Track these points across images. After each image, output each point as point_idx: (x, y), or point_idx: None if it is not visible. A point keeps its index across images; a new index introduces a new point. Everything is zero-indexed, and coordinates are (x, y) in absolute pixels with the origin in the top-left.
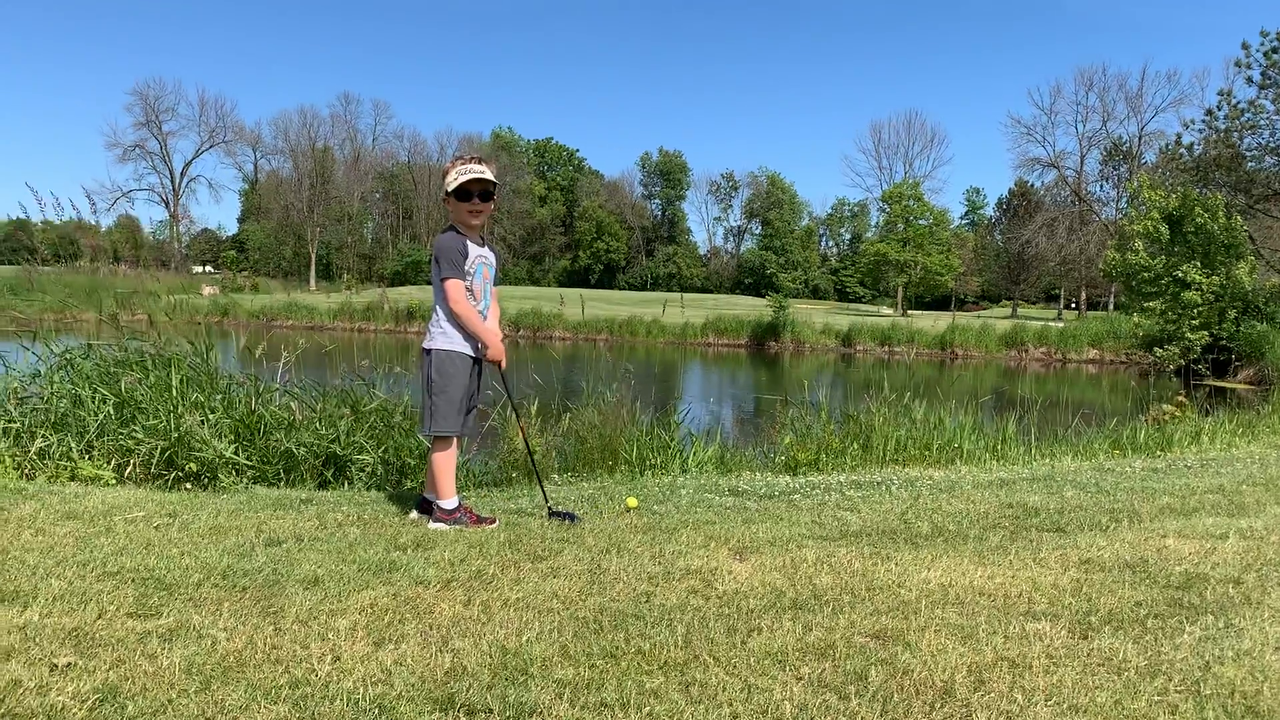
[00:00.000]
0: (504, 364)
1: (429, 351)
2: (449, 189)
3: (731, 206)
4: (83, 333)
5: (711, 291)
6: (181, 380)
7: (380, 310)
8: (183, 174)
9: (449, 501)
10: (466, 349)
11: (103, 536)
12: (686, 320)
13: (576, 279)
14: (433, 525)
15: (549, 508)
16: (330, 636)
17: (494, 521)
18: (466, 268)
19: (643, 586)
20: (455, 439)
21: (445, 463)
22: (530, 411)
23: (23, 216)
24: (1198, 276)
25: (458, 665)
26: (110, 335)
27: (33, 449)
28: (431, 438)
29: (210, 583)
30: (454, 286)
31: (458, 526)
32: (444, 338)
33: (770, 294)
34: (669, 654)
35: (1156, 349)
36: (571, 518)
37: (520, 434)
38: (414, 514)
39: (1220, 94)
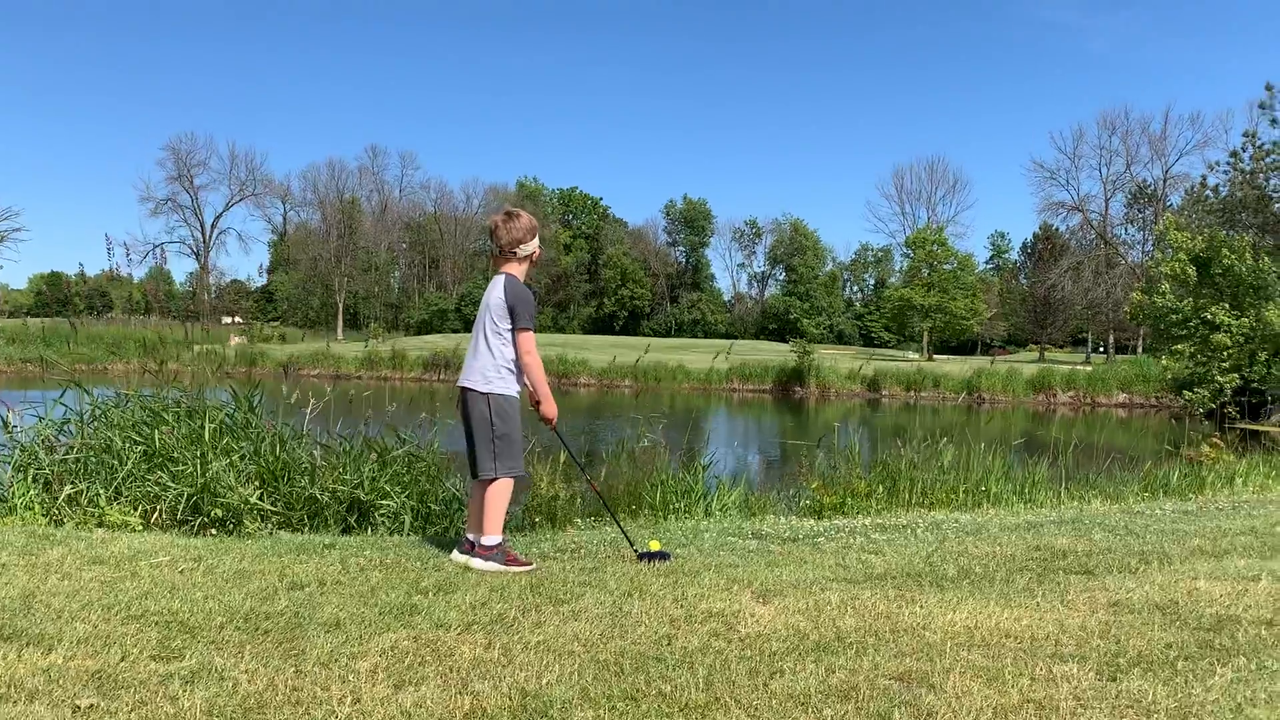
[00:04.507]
0: (554, 421)
1: (487, 395)
2: (531, 251)
3: (755, 253)
4: (121, 382)
5: (736, 337)
6: (215, 429)
7: (405, 359)
8: (213, 226)
9: (491, 539)
10: (517, 392)
11: (128, 581)
12: (712, 366)
13: (601, 326)
14: (474, 563)
15: (636, 551)
16: (351, 679)
17: (531, 565)
18: None
19: (664, 629)
20: (513, 479)
21: (502, 499)
22: (559, 460)
23: (83, 270)
24: (1226, 318)
25: (477, 707)
26: (148, 383)
27: (61, 495)
28: (484, 478)
29: (233, 626)
30: (531, 339)
31: (493, 565)
32: (501, 382)
33: (794, 339)
34: (690, 696)
35: (1186, 392)
36: (664, 557)
37: (592, 489)
38: (456, 554)
39: (1245, 135)
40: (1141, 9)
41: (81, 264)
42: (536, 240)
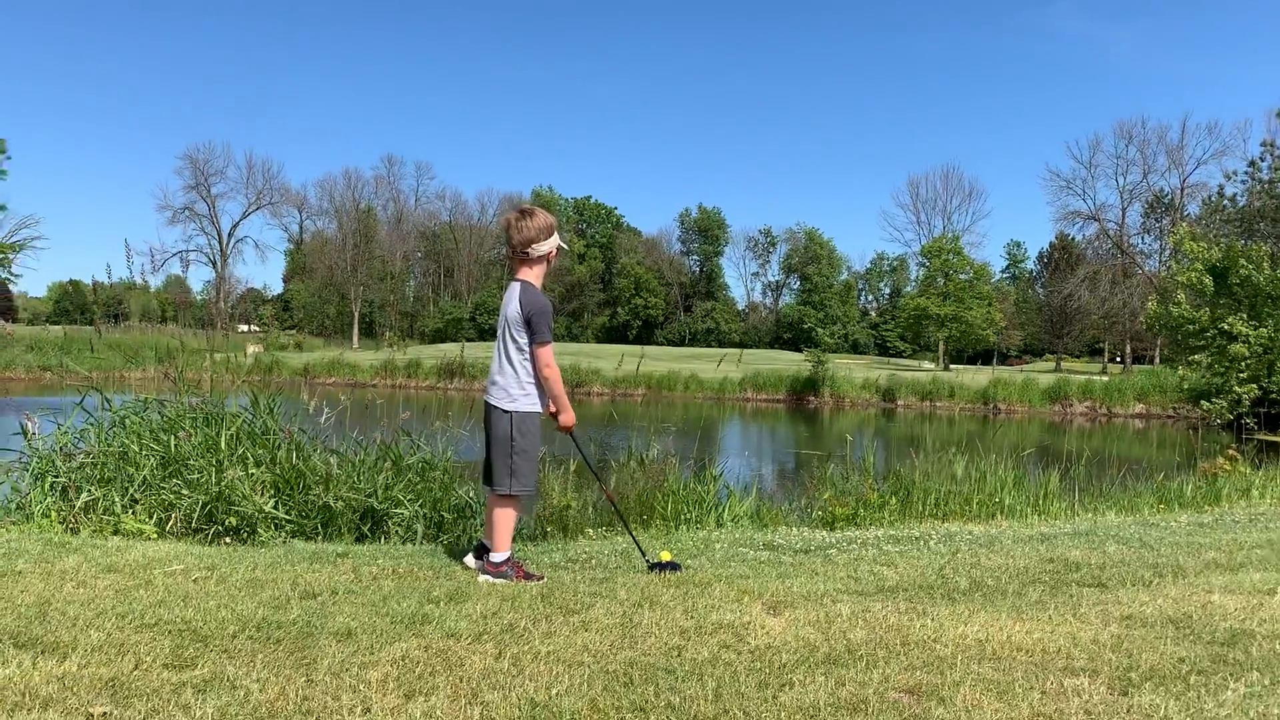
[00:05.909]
0: (571, 429)
1: (509, 412)
2: (546, 251)
3: (769, 262)
4: (139, 389)
5: (750, 346)
6: (232, 436)
7: (420, 367)
8: (230, 235)
9: (500, 555)
10: (541, 408)
11: (142, 589)
12: (725, 375)
13: (615, 335)
14: (481, 578)
15: (647, 561)
16: (361, 688)
17: (541, 579)
18: None
19: (674, 640)
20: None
21: (510, 517)
22: (570, 468)
23: (114, 278)
24: (1244, 329)
25: (487, 718)
26: (167, 390)
27: (78, 503)
28: (499, 492)
29: (245, 634)
30: (549, 352)
31: (503, 580)
32: (526, 399)
33: (809, 349)
34: (699, 708)
35: (1204, 402)
36: (674, 567)
37: (606, 497)
38: (470, 560)
39: (1263, 145)
40: (1158, 19)
41: (109, 265)
42: (553, 239)
